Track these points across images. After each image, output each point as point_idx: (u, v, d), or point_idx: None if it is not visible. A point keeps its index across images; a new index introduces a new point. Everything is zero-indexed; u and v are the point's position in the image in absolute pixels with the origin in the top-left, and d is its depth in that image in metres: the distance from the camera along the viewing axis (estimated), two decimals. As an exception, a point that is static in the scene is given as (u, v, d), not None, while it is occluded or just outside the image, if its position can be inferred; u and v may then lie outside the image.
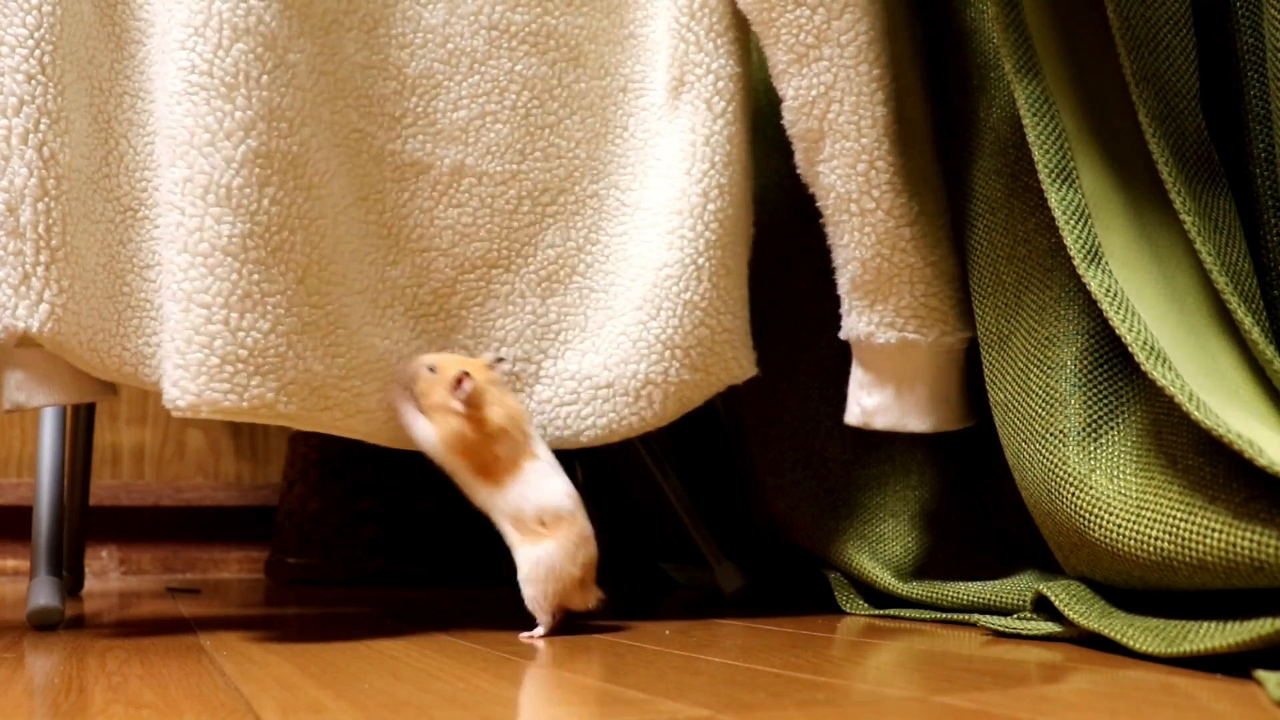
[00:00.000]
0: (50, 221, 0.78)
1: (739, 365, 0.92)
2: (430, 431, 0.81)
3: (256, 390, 0.78)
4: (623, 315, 0.90)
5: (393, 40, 0.88)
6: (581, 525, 0.80)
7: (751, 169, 0.95)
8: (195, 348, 0.76)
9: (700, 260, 0.90)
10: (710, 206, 0.90)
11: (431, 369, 0.82)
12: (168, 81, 0.80)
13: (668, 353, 0.89)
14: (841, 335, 0.94)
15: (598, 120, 0.93)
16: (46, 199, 0.78)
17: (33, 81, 0.79)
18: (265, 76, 0.79)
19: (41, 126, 0.79)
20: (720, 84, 0.92)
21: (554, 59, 0.91)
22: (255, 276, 0.78)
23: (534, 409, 0.89)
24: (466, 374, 0.79)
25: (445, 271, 0.88)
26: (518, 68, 0.90)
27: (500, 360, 0.83)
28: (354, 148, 0.86)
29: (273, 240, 0.79)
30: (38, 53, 0.79)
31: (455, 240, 0.88)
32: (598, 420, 0.89)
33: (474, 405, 0.79)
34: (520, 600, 0.78)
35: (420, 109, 0.88)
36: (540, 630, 0.79)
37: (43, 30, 0.79)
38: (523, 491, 0.79)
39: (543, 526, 0.79)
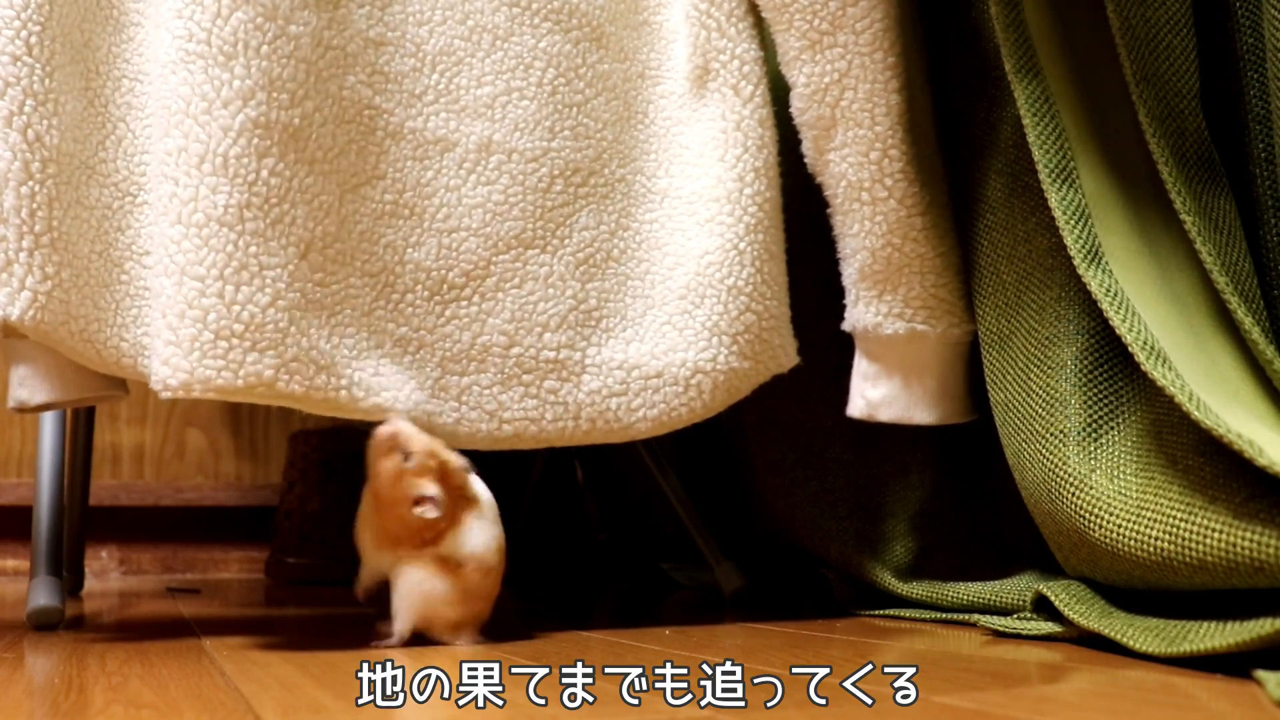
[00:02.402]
0: (35, 206, 0.76)
1: (785, 353, 0.91)
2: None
3: (253, 367, 0.74)
4: (664, 305, 0.89)
5: (409, 16, 0.86)
6: (491, 582, 0.75)
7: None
8: (188, 323, 0.74)
9: (742, 245, 0.89)
10: (747, 191, 0.90)
11: (406, 456, 0.74)
12: (162, 52, 0.77)
13: (715, 339, 0.88)
14: (845, 326, 0.94)
15: (621, 103, 0.92)
16: (31, 183, 0.76)
17: (18, 63, 0.77)
18: (265, 46, 0.77)
19: (27, 109, 0.76)
20: (746, 68, 0.91)
21: (577, 37, 0.90)
22: (253, 248, 0.75)
23: (583, 400, 0.87)
24: (433, 502, 0.73)
25: (478, 252, 0.85)
26: (541, 44, 0.89)
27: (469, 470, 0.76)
28: (367, 125, 0.83)
29: (272, 212, 0.76)
30: (24, 34, 0.77)
31: (486, 219, 0.86)
32: (648, 411, 0.88)
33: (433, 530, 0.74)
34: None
35: (442, 85, 0.86)
36: (391, 641, 0.74)
37: (30, 10, 0.77)
38: (460, 540, 0.74)
39: (461, 566, 0.74)
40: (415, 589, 0.74)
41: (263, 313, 0.75)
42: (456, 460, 0.75)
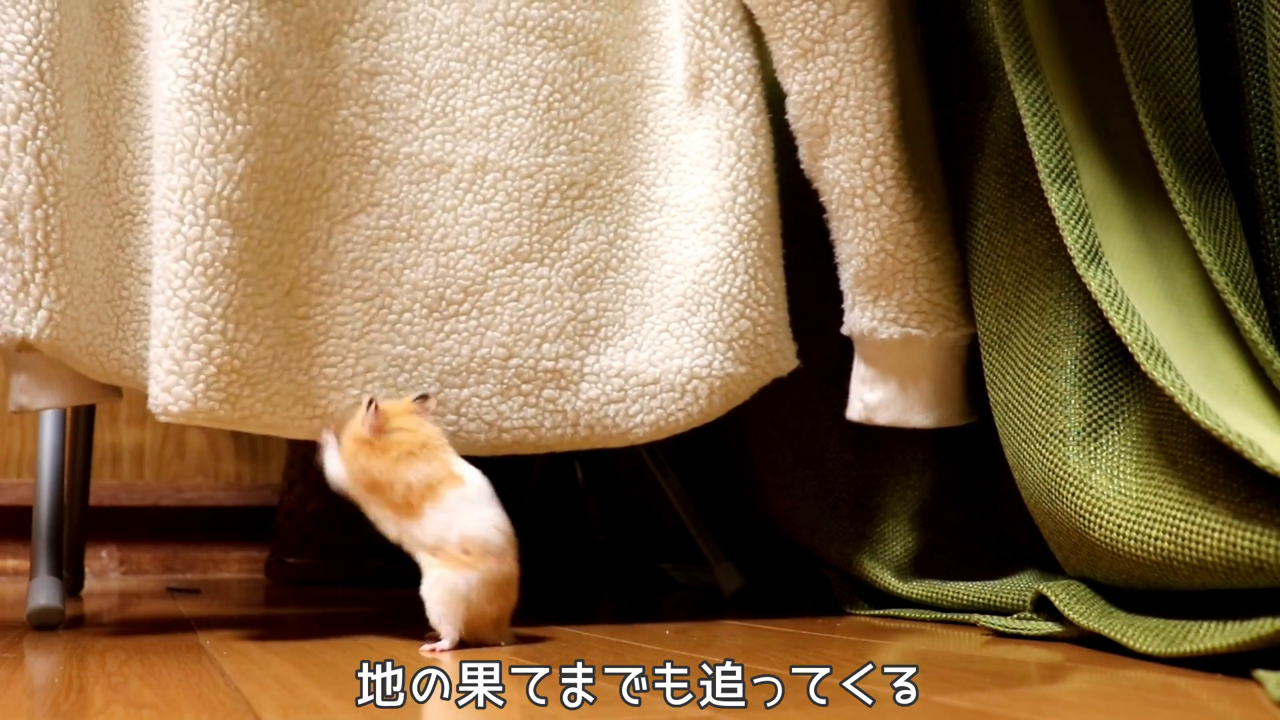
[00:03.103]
0: (49, 228, 0.79)
1: (782, 357, 0.92)
2: (337, 463, 0.78)
3: (247, 400, 0.78)
4: (661, 312, 0.90)
5: (405, 43, 0.88)
6: (509, 568, 0.74)
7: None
8: (194, 355, 0.77)
9: (735, 253, 0.90)
10: (740, 199, 0.90)
11: (356, 404, 0.80)
12: (164, 87, 0.80)
13: (711, 345, 0.89)
14: (844, 330, 0.94)
15: (619, 115, 0.93)
16: (45, 206, 0.79)
17: (31, 88, 0.79)
18: (264, 92, 0.80)
19: (40, 133, 0.79)
20: (739, 78, 0.92)
21: (573, 53, 0.91)
22: (249, 289, 0.79)
23: (582, 408, 0.88)
24: (373, 401, 0.76)
25: (475, 268, 0.87)
26: (536, 62, 0.90)
27: (424, 397, 0.79)
28: (361, 155, 0.86)
29: (263, 254, 0.80)
30: (36, 59, 0.79)
31: (483, 236, 0.87)
32: (646, 417, 0.89)
33: (378, 430, 0.76)
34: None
35: (438, 109, 0.88)
36: (445, 644, 0.73)
37: (41, 36, 0.79)
38: (445, 519, 0.74)
39: (467, 555, 0.73)
40: (445, 591, 0.73)
41: (255, 350, 0.79)
42: (411, 407, 0.78)
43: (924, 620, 0.89)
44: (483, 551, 0.73)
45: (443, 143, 0.88)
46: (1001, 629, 0.79)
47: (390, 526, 0.77)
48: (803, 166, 0.92)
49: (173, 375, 0.77)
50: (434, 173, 0.87)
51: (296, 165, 0.82)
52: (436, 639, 0.74)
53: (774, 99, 0.94)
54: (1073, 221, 0.74)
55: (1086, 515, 0.73)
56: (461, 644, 0.74)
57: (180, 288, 0.78)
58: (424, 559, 0.75)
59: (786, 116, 0.92)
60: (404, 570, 0.79)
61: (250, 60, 0.79)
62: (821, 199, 0.92)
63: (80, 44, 0.83)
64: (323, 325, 0.83)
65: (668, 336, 0.90)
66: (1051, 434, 0.77)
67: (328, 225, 0.84)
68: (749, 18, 0.92)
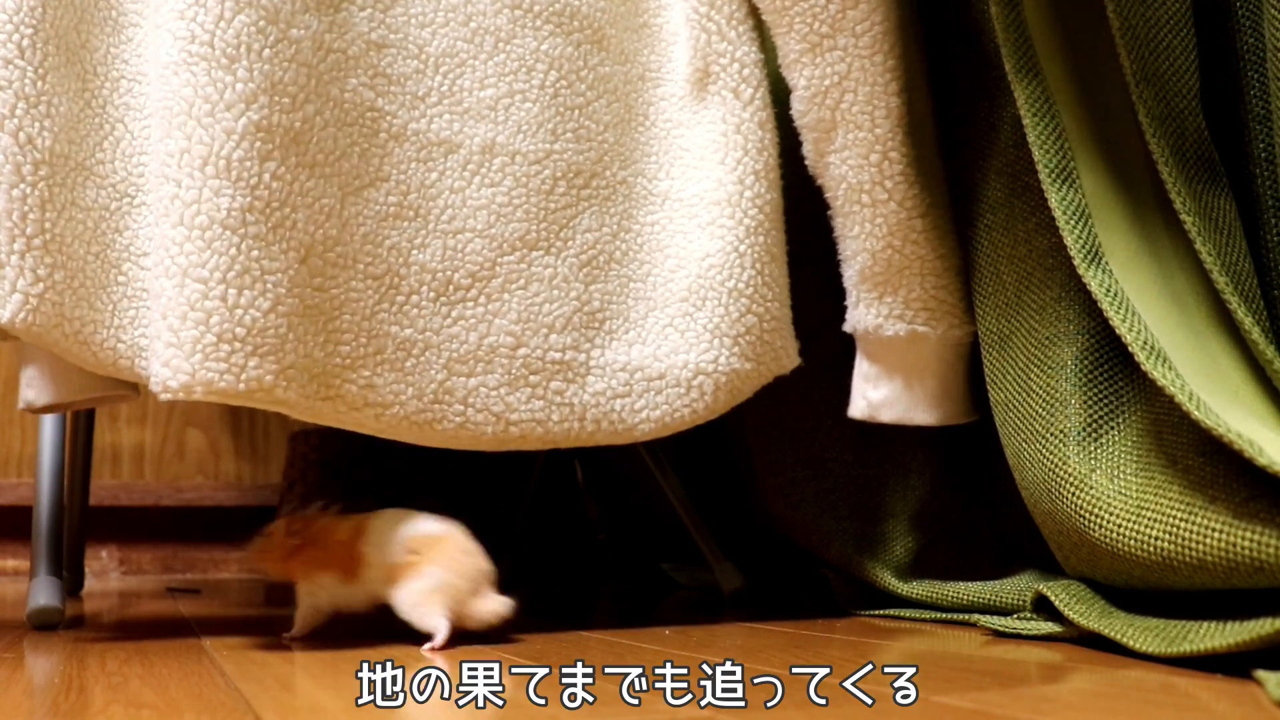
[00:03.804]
0: (26, 208, 0.76)
1: (786, 354, 0.92)
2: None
3: (254, 372, 0.75)
4: (665, 307, 0.90)
5: (412, 18, 0.86)
6: (460, 542, 0.77)
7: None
8: (190, 324, 0.74)
9: (742, 247, 0.90)
10: (747, 194, 0.90)
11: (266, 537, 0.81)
12: (163, 53, 0.78)
13: (717, 341, 0.89)
14: (846, 328, 0.94)
15: (622, 106, 0.92)
16: (22, 185, 0.76)
17: (9, 66, 0.77)
18: (267, 50, 0.77)
19: (18, 111, 0.76)
20: (746, 71, 0.92)
21: (578, 40, 0.90)
22: (255, 253, 0.75)
23: (589, 402, 0.87)
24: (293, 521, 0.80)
25: (483, 253, 0.85)
26: (543, 47, 0.89)
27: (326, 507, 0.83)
28: (370, 127, 0.83)
29: (273, 216, 0.76)
30: (16, 37, 0.77)
31: (491, 220, 0.86)
32: (651, 413, 0.88)
33: (308, 534, 0.80)
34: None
35: (445, 87, 0.86)
36: (439, 639, 0.74)
37: (22, 14, 0.77)
38: (379, 539, 0.77)
39: (416, 555, 0.75)
40: (413, 592, 0.75)
41: (264, 318, 0.75)
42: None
43: (924, 620, 0.89)
44: (427, 543, 0.76)
45: (450, 122, 0.86)
46: (1001, 629, 0.79)
47: (359, 589, 0.79)
48: (807, 163, 0.92)
49: (171, 347, 0.74)
50: (441, 152, 0.85)
51: (308, 128, 0.79)
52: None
53: (775, 95, 0.94)
54: (1073, 221, 0.74)
55: (1086, 515, 0.73)
56: (461, 636, 0.74)
57: (178, 254, 0.75)
58: (389, 592, 0.77)
59: (791, 112, 0.92)
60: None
61: (251, 17, 0.77)
62: (826, 195, 0.92)
63: (73, 23, 0.81)
64: (338, 299, 0.80)
65: (672, 331, 0.89)
66: (1051, 434, 0.77)
67: (340, 194, 0.81)
68: (754, 11, 0.92)
